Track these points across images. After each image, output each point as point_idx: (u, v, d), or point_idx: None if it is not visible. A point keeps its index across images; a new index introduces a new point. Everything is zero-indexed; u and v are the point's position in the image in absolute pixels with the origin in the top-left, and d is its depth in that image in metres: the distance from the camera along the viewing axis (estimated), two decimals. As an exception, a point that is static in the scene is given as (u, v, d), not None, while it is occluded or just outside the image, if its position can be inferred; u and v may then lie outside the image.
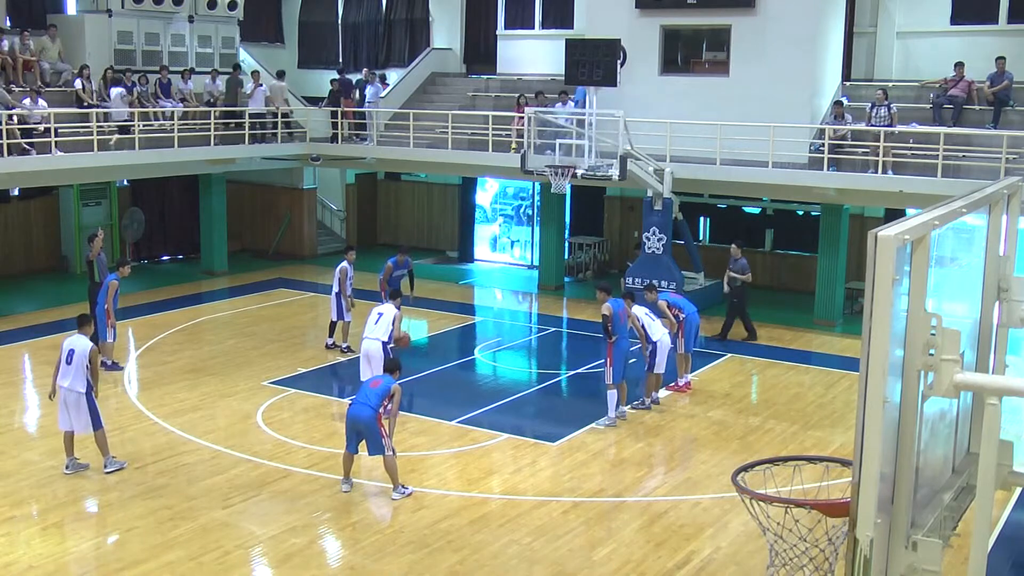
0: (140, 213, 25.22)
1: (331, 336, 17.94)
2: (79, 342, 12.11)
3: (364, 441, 11.61)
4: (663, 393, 15.56)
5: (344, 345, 17.64)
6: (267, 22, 30.07)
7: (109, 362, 16.16)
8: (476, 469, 12.74)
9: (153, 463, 12.63)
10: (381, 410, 11.52)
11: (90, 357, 11.99)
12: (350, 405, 11.83)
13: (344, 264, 17.67)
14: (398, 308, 14.73)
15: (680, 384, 15.89)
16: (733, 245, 19.07)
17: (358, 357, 15.02)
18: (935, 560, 4.58)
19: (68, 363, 12.01)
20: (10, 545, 10.39)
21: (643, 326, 14.75)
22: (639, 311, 14.88)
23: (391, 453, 11.60)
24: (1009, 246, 5.76)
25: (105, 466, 12.28)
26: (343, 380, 16.43)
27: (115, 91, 21.44)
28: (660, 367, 14.96)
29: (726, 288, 19.04)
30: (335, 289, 17.67)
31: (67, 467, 12.30)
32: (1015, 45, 20.09)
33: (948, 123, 19.19)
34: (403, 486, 11.74)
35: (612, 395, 14.31)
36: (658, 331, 14.87)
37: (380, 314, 14.43)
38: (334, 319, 17.82)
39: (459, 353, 18.67)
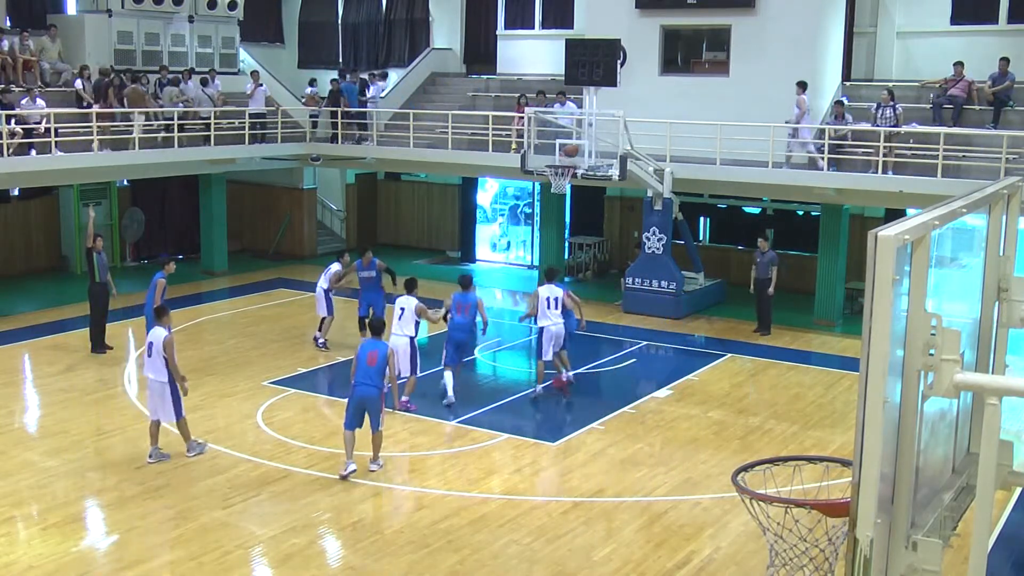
0: (140, 213, 25.23)
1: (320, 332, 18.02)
2: (156, 333, 12.54)
3: (367, 415, 12.15)
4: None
5: (321, 341, 17.76)
6: (267, 22, 30.09)
7: None
8: (476, 469, 12.74)
9: (153, 463, 12.63)
10: (386, 384, 12.23)
11: (164, 347, 12.35)
12: (355, 386, 12.09)
13: (337, 267, 17.69)
14: (417, 297, 14.82)
15: (564, 378, 15.90)
16: (760, 239, 19.18)
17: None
18: (935, 560, 4.57)
19: (149, 355, 12.51)
20: (10, 545, 10.40)
21: (536, 306, 15.27)
22: (546, 292, 15.28)
23: (382, 428, 12.28)
24: (1009, 246, 5.76)
25: (188, 450, 12.77)
26: (343, 380, 16.41)
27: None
28: (547, 355, 15.36)
29: (752, 287, 19.22)
30: (324, 286, 17.68)
31: (150, 456, 12.61)
32: (1015, 45, 20.08)
33: (948, 123, 19.19)
34: (380, 460, 12.41)
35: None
36: (548, 320, 15.21)
37: (403, 308, 14.56)
38: (324, 315, 17.85)
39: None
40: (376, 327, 12.65)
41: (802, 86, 19.69)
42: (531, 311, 15.25)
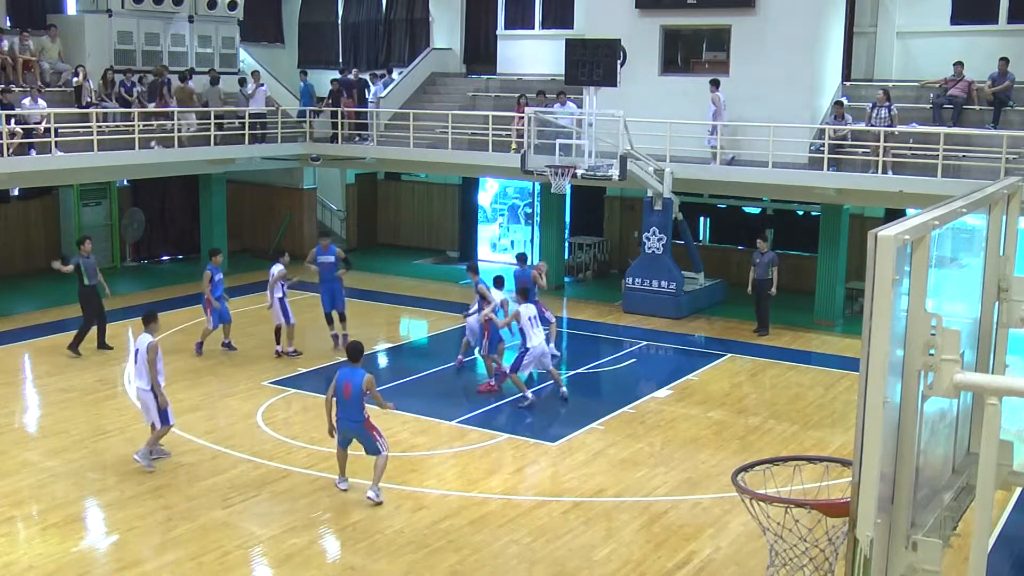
0: (140, 213, 25.23)
1: (278, 343, 17.49)
2: (141, 340, 12.35)
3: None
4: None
5: (291, 349, 17.40)
6: (267, 22, 30.08)
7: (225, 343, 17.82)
8: (476, 469, 12.74)
9: (154, 459, 12.62)
10: (366, 414, 11.50)
11: (147, 353, 12.16)
12: (339, 420, 11.55)
13: (281, 267, 17.31)
14: (509, 298, 16.14)
15: (492, 384, 15.83)
16: (759, 240, 19.22)
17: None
18: (935, 560, 4.57)
19: (135, 362, 12.42)
20: (10, 545, 10.40)
21: (521, 328, 15.05)
22: (526, 311, 15.05)
23: (385, 453, 11.59)
24: (1009, 246, 5.75)
25: (137, 453, 12.41)
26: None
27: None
28: (525, 371, 15.20)
29: (750, 287, 19.30)
30: (278, 295, 17.25)
31: (151, 453, 12.60)
32: (1015, 45, 20.07)
33: (948, 123, 19.18)
34: (379, 490, 11.54)
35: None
36: (535, 339, 14.95)
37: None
38: (279, 323, 17.40)
39: (459, 353, 18.62)
40: (352, 353, 11.67)
41: (715, 84, 20.21)
42: (508, 321, 15.39)
